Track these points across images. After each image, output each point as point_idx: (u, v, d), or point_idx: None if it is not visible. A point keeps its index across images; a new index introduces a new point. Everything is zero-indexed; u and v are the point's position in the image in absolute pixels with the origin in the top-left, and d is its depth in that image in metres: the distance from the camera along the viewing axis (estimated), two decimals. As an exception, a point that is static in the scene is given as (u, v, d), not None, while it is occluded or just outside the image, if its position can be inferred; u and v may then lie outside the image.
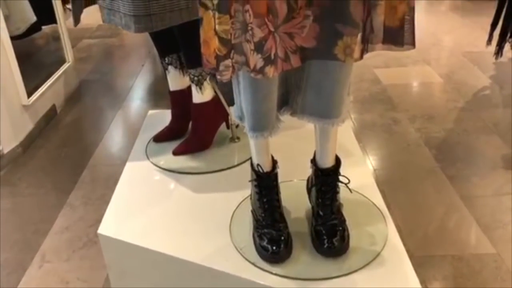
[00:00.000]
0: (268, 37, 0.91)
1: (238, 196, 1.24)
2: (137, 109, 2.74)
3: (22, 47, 2.77)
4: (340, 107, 1.03)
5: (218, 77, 0.95)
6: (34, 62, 2.76)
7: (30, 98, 2.33)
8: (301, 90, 1.05)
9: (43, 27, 2.87)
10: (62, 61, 2.81)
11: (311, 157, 1.13)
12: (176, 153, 1.46)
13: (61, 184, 2.04)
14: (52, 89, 2.59)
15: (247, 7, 0.89)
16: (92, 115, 2.72)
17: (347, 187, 1.07)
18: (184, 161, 1.43)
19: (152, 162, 1.44)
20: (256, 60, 0.91)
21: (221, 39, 0.93)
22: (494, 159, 2.07)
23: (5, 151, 2.17)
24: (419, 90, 2.95)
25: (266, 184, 1.07)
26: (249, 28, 0.90)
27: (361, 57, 0.94)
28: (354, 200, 1.17)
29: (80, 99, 2.88)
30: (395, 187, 1.90)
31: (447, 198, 1.84)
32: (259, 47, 0.91)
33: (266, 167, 1.09)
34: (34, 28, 2.76)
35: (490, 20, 2.87)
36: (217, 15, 0.92)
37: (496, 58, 2.89)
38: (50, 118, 2.56)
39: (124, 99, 2.84)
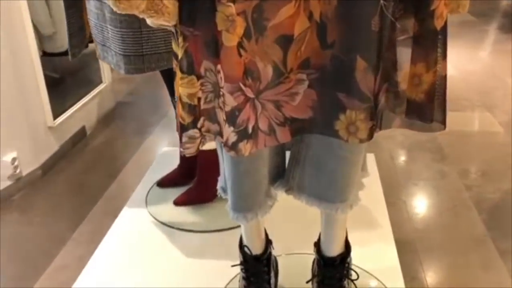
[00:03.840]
0: (243, 106, 0.72)
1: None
2: (166, 139, 2.63)
3: (61, 65, 2.76)
4: (346, 190, 0.81)
5: (181, 149, 0.77)
6: (70, 81, 2.74)
7: (57, 119, 2.27)
8: (299, 164, 0.84)
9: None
10: (99, 81, 2.76)
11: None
12: (177, 203, 1.31)
13: (72, 215, 1.94)
14: (84, 110, 2.54)
15: (219, 67, 0.71)
16: (120, 140, 2.63)
17: (354, 284, 0.85)
18: (184, 214, 1.27)
19: (149, 213, 1.29)
20: (228, 133, 0.72)
21: (184, 105, 0.75)
22: (558, 234, 1.77)
23: (24, 173, 2.11)
24: (475, 140, 2.64)
25: (254, 270, 0.88)
26: (221, 93, 0.72)
27: (370, 137, 0.73)
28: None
29: (113, 122, 2.81)
30: (434, 256, 1.64)
31: (496, 277, 1.56)
32: (231, 118, 0.72)
33: (256, 249, 0.89)
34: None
35: None
36: (179, 75, 0.74)
37: None
38: (78, 140, 2.50)
39: (155, 126, 2.75)
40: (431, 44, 0.77)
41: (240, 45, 0.74)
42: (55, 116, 2.28)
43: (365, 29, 0.74)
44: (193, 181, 1.36)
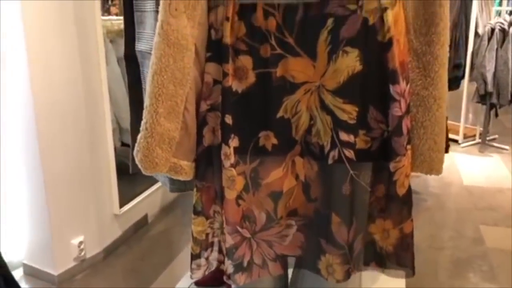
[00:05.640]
0: (240, 244, 0.89)
1: None
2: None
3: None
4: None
5: (190, 273, 0.94)
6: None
7: (123, 208, 2.54)
8: (298, 292, 0.99)
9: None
10: (166, 173, 3.04)
11: None
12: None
13: (123, 299, 2.12)
14: (149, 199, 2.80)
15: (223, 211, 0.90)
16: (177, 229, 2.84)
17: None
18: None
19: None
20: (227, 265, 0.89)
21: (194, 239, 0.93)
22: None
23: (88, 255, 2.36)
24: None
25: None
26: (224, 232, 0.90)
27: (347, 277, 0.87)
28: None
29: (173, 211, 3.05)
30: None
31: None
32: (229, 253, 0.90)
33: None
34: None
35: None
36: (192, 215, 0.93)
37: None
38: (139, 227, 2.74)
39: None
40: (395, 206, 0.91)
41: (239, 197, 0.92)
42: (122, 205, 2.54)
43: (337, 192, 0.90)
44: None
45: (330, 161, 0.92)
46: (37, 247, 2.24)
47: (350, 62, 0.90)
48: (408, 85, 0.97)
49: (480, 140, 4.30)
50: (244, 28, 0.92)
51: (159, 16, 0.89)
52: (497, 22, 3.90)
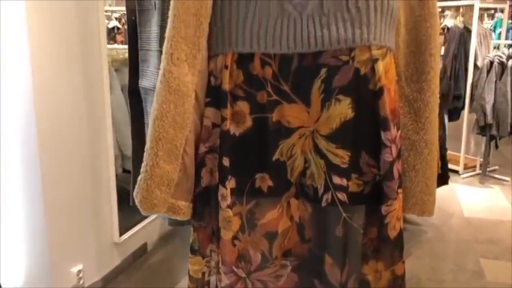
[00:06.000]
0: (235, 284, 0.92)
1: None
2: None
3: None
4: None
5: None
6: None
7: (122, 236, 2.55)
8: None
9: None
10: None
11: None
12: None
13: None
14: (148, 228, 2.81)
15: (219, 250, 0.92)
16: (176, 258, 2.85)
17: None
18: None
19: None
20: None
21: (191, 277, 0.96)
22: None
23: (86, 284, 2.36)
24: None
25: None
26: (220, 271, 0.92)
27: None
28: None
29: (173, 240, 3.06)
30: None
31: None
32: None
33: None
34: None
35: None
36: (189, 254, 0.96)
37: None
38: (138, 256, 2.75)
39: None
40: (387, 249, 0.94)
41: (235, 237, 0.95)
42: (121, 233, 2.55)
43: (331, 234, 0.93)
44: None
45: (323, 204, 0.95)
46: (35, 274, 2.24)
47: (342, 109, 0.94)
48: (399, 131, 1.00)
49: (480, 171, 4.31)
50: (242, 76, 0.96)
51: (162, 64, 0.94)
52: (495, 55, 3.96)
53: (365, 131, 0.96)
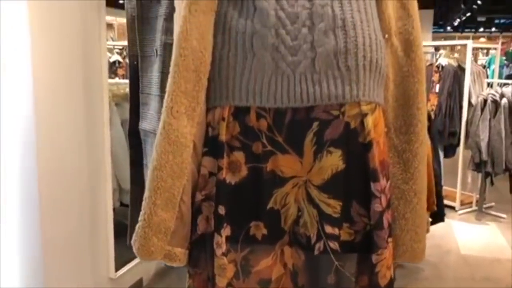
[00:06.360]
0: None
1: None
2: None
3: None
4: None
5: None
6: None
7: (118, 271, 2.55)
8: None
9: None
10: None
11: None
12: None
13: None
14: (144, 263, 2.81)
15: None
16: (172, 294, 2.83)
17: None
18: None
19: None
20: None
21: None
22: None
23: (81, 320, 2.35)
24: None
25: None
26: None
27: None
28: None
29: (168, 276, 3.05)
30: None
31: None
32: None
33: None
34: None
35: None
36: None
37: None
38: (133, 291, 2.74)
39: None
40: None
41: (229, 284, 0.98)
42: (117, 268, 2.55)
43: (323, 282, 0.96)
44: None
45: (316, 252, 0.99)
46: (31, 310, 2.24)
47: (333, 161, 0.98)
48: (389, 181, 1.04)
49: (477, 208, 4.33)
50: (238, 127, 1.01)
51: (162, 117, 0.98)
52: (489, 94, 4.04)
53: (356, 182, 1.00)
